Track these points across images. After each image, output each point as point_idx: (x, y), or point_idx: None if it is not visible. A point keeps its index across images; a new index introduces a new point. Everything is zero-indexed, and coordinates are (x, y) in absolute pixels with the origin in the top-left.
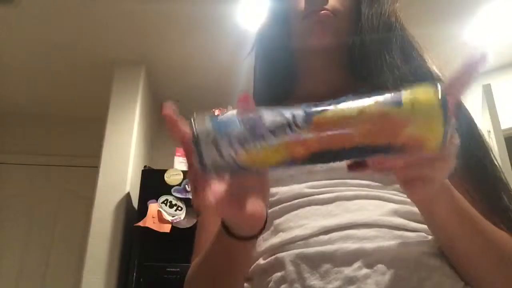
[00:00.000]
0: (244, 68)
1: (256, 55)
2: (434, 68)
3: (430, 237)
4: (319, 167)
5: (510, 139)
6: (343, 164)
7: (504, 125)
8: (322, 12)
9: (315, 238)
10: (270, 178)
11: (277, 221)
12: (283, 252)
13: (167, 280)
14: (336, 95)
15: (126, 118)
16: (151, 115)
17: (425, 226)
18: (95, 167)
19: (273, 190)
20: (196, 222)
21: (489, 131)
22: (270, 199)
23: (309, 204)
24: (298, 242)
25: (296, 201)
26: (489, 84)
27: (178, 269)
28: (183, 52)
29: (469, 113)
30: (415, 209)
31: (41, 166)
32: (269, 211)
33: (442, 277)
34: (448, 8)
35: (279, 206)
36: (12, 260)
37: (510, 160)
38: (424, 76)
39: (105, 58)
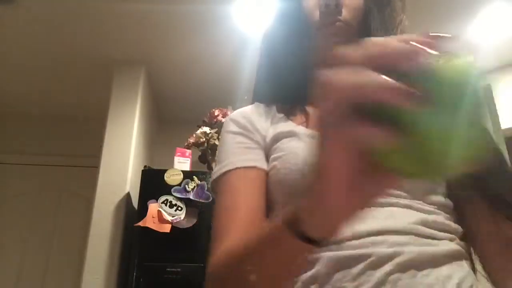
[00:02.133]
0: (244, 69)
1: (263, 56)
2: None
3: (452, 243)
4: None
5: (510, 139)
6: None
7: (504, 125)
8: (337, 24)
9: (347, 243)
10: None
11: None
12: (316, 254)
13: (167, 280)
14: None
15: (126, 118)
16: (151, 115)
17: (449, 235)
18: (95, 167)
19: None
20: (197, 221)
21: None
22: None
23: None
24: (331, 246)
25: None
26: (489, 84)
27: (178, 269)
28: (183, 52)
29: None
30: (440, 218)
31: (41, 166)
32: None
33: (474, 280)
34: (449, 8)
35: None
36: (12, 260)
37: (510, 160)
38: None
39: (105, 58)
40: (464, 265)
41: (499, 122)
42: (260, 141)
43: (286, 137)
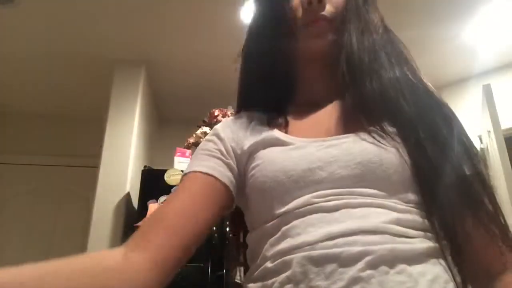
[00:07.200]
0: None
1: (248, 56)
2: (410, 74)
3: (430, 241)
4: (326, 178)
5: (510, 139)
6: (350, 173)
7: (504, 125)
8: (321, 19)
9: (321, 244)
10: (280, 191)
11: (284, 228)
12: (291, 255)
13: None
14: (331, 100)
15: (126, 118)
16: (151, 115)
17: (425, 233)
18: (95, 167)
19: (284, 199)
20: None
21: (489, 131)
22: (278, 211)
23: (316, 211)
24: (305, 247)
25: (303, 208)
26: (489, 84)
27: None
28: (183, 52)
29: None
30: (416, 217)
31: (41, 166)
32: (277, 219)
33: (443, 276)
34: (448, 9)
35: (287, 214)
36: (12, 260)
37: (510, 160)
38: (403, 80)
39: (105, 58)
40: (441, 263)
41: (499, 122)
42: (223, 150)
43: (265, 144)
